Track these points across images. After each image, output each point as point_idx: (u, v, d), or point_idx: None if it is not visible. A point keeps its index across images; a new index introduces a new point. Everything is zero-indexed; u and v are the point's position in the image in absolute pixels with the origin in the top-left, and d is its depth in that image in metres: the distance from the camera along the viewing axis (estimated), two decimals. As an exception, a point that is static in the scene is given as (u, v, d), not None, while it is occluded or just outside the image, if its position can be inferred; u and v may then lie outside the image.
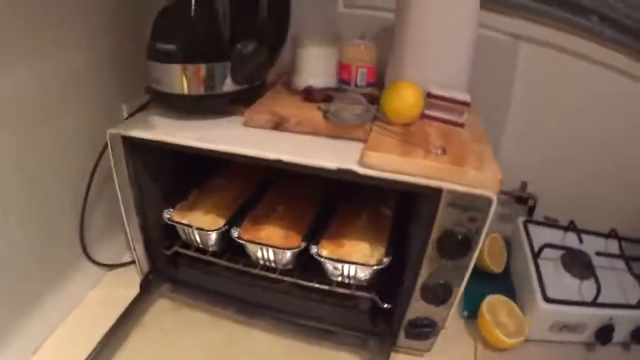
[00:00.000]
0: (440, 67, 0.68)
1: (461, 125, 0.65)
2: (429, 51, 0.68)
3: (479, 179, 0.55)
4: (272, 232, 0.73)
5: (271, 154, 0.60)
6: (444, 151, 0.58)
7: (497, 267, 0.85)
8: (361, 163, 0.57)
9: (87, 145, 0.75)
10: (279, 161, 0.60)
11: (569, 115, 0.85)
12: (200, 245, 0.78)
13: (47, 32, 0.63)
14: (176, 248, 0.80)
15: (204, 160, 0.86)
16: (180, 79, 0.67)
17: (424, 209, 0.64)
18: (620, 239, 0.84)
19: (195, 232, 0.75)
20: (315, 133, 0.65)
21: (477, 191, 0.55)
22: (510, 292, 0.80)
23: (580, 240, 0.81)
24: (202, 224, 0.75)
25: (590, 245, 0.82)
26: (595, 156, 0.87)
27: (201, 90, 0.68)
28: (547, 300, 0.71)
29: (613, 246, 0.84)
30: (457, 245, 0.59)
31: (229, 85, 0.68)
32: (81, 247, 0.78)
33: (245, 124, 0.68)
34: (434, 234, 0.60)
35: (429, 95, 0.64)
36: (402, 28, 0.69)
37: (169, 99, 0.69)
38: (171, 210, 0.78)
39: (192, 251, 0.79)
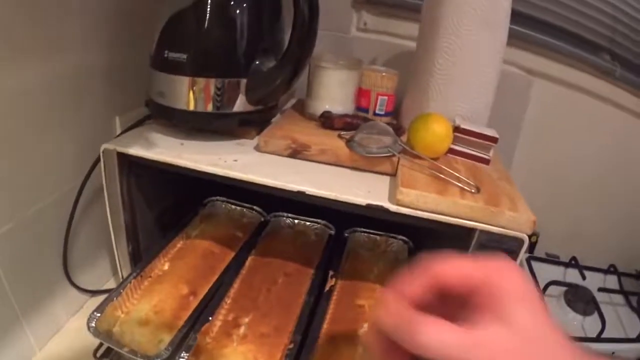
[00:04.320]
0: (466, 99, 0.63)
1: (487, 162, 0.60)
2: (457, 83, 0.62)
3: (514, 220, 0.49)
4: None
5: (293, 185, 0.52)
6: (478, 190, 0.52)
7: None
8: (394, 200, 0.51)
9: (75, 160, 0.64)
10: (301, 193, 0.52)
11: (572, 151, 0.83)
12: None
13: (35, 29, 0.52)
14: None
15: (199, 190, 0.76)
16: (188, 93, 0.58)
17: (447, 248, 0.59)
18: (619, 274, 0.81)
19: (128, 355, 0.51)
20: (337, 163, 0.57)
21: (511, 232, 0.50)
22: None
23: (583, 277, 0.78)
24: (138, 340, 0.52)
25: (592, 280, 0.79)
26: (595, 192, 0.85)
27: (209, 108, 0.59)
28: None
29: (611, 281, 0.81)
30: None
31: (240, 105, 0.60)
32: (63, 270, 0.66)
33: (259, 149, 0.59)
34: (461, 276, 0.54)
35: (457, 129, 0.59)
36: (428, 59, 0.63)
37: (172, 114, 0.60)
38: (98, 314, 0.53)
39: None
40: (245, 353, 0.51)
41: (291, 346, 0.52)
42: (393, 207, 0.51)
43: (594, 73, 0.75)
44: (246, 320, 0.56)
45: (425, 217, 0.50)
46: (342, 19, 0.78)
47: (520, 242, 0.50)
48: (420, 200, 0.50)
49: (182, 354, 0.50)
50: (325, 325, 0.56)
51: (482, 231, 0.50)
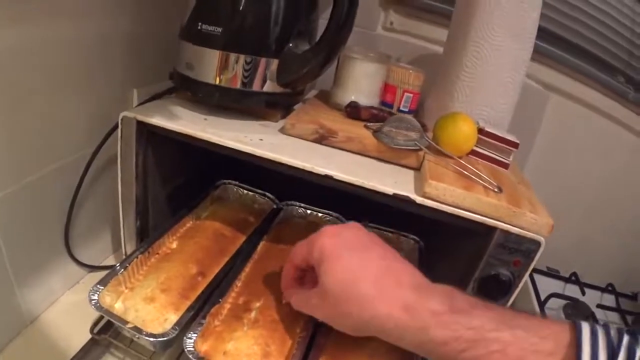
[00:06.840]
0: (490, 104, 0.63)
1: (506, 166, 0.60)
2: (483, 87, 0.62)
3: (535, 222, 0.50)
4: (243, 347, 0.48)
5: (321, 168, 0.51)
6: (500, 190, 0.52)
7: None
8: (421, 192, 0.50)
9: (87, 128, 0.62)
10: (328, 177, 0.51)
11: (581, 168, 0.84)
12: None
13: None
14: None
15: (210, 172, 0.75)
16: (218, 68, 0.57)
17: (462, 247, 0.59)
18: (617, 294, 0.82)
19: (131, 331, 0.49)
20: (363, 153, 0.57)
21: (530, 234, 0.50)
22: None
23: (583, 292, 0.79)
24: (143, 317, 0.50)
25: (591, 297, 0.79)
26: (600, 211, 0.86)
27: (238, 85, 0.58)
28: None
29: (609, 299, 0.82)
30: (499, 288, 0.54)
31: (269, 85, 0.59)
32: (64, 241, 0.64)
33: (284, 132, 0.58)
34: (477, 275, 0.54)
35: (480, 131, 0.59)
36: (456, 60, 0.63)
37: (198, 88, 0.59)
38: (101, 287, 0.52)
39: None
40: (256, 338, 0.49)
41: (303, 334, 0.51)
42: (419, 199, 0.50)
43: (608, 94, 0.77)
44: (257, 304, 0.54)
45: (449, 211, 0.50)
46: (369, 16, 0.79)
47: (537, 244, 0.50)
48: (447, 194, 0.50)
49: (190, 335, 0.48)
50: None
51: (502, 231, 0.50)
